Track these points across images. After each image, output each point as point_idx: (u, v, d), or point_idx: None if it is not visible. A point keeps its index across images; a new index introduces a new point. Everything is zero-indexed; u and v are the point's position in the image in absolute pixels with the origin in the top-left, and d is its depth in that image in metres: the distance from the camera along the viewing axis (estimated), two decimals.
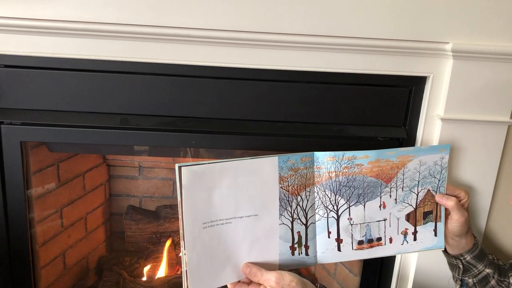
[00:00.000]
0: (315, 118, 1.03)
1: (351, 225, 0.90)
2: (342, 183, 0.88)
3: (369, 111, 1.03)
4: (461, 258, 0.95)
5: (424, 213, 0.93)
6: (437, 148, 0.92)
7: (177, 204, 0.78)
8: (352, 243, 0.90)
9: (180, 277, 1.37)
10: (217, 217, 0.80)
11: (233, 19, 0.90)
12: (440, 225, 0.93)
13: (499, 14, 0.93)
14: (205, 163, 0.78)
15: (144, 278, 1.43)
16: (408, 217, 0.92)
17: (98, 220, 1.50)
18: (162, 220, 1.53)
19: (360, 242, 0.90)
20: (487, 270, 0.94)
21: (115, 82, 0.98)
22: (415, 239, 0.92)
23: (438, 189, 0.93)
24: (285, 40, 0.93)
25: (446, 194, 0.93)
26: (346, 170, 0.88)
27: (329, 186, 0.88)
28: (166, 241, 1.52)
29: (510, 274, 0.95)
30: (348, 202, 0.89)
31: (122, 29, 0.90)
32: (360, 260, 1.19)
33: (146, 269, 1.45)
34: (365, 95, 1.02)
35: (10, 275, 1.08)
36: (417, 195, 0.92)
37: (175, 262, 1.49)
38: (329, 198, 0.88)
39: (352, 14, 0.92)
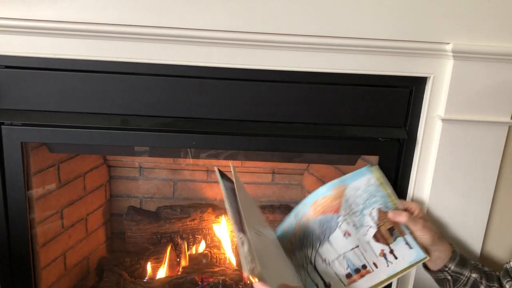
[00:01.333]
0: (315, 119, 1.03)
1: (329, 264, 0.90)
2: (300, 237, 0.91)
3: (370, 111, 1.03)
4: (446, 269, 0.94)
5: (388, 230, 0.93)
6: (360, 172, 0.95)
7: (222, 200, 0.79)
8: (340, 280, 0.90)
9: (181, 278, 1.38)
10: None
11: (233, 19, 0.91)
12: (408, 237, 0.93)
13: (499, 15, 0.93)
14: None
15: (145, 279, 1.43)
16: (376, 238, 0.92)
17: (99, 221, 1.50)
18: (163, 221, 1.53)
19: (349, 276, 0.91)
20: (474, 275, 0.94)
21: (115, 82, 0.98)
22: (395, 257, 0.92)
23: (386, 205, 0.94)
24: (285, 40, 0.93)
25: (397, 210, 0.95)
26: (298, 225, 0.92)
27: (295, 249, 0.91)
28: (166, 242, 1.52)
29: (506, 280, 0.94)
30: (313, 248, 0.90)
31: (122, 30, 0.90)
32: None
33: (146, 269, 1.45)
34: (366, 96, 1.02)
35: (10, 275, 1.08)
36: (370, 215, 0.93)
37: (175, 263, 1.49)
38: (300, 257, 0.90)
39: (352, 15, 0.92)
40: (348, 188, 0.95)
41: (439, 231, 0.95)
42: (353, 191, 0.94)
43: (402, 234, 0.93)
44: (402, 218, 0.92)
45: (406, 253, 0.92)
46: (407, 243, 0.92)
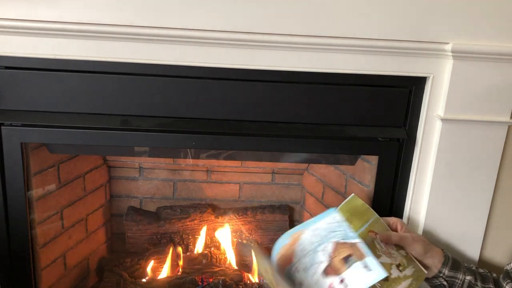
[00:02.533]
0: (315, 119, 1.03)
1: None
2: None
3: (369, 111, 1.03)
4: (441, 274, 0.93)
5: (344, 259, 0.87)
6: (326, 213, 0.92)
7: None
8: None
9: (181, 278, 1.38)
10: None
11: (233, 20, 0.91)
12: (369, 259, 0.85)
13: (499, 15, 0.93)
14: None
15: (145, 279, 1.43)
16: (326, 273, 0.87)
17: (99, 221, 1.50)
18: (163, 221, 1.53)
19: None
20: (468, 277, 0.93)
21: (115, 83, 0.98)
22: (346, 285, 0.85)
23: (347, 236, 0.89)
24: (285, 41, 0.93)
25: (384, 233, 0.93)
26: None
27: None
28: (166, 242, 1.52)
29: (506, 282, 0.94)
30: None
31: (122, 31, 0.90)
32: None
33: (146, 270, 1.45)
34: (365, 96, 1.02)
35: (10, 276, 1.08)
36: (324, 250, 0.88)
37: (175, 263, 1.49)
38: None
39: (352, 15, 0.92)
40: (307, 231, 0.92)
41: (426, 239, 0.95)
42: (311, 232, 0.91)
43: (361, 258, 0.87)
44: (393, 240, 0.92)
45: (362, 277, 0.86)
46: (365, 266, 0.86)
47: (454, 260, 0.95)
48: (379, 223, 0.95)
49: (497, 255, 1.12)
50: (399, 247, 0.92)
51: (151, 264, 1.45)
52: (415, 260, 0.93)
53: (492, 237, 1.10)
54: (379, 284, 0.88)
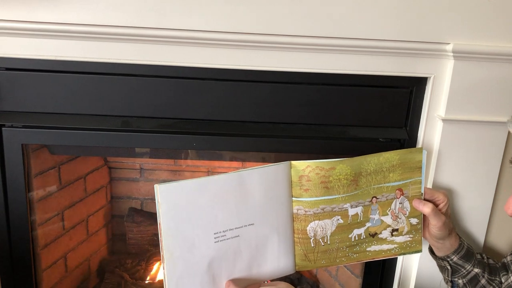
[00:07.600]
0: (317, 120, 1.03)
1: None
2: None
3: (370, 112, 1.03)
4: (448, 259, 0.95)
5: None
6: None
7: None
8: None
9: None
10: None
11: (235, 21, 0.91)
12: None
13: (499, 15, 0.93)
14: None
15: (146, 281, 1.43)
16: None
17: (100, 223, 1.50)
18: None
19: None
20: (476, 270, 0.94)
21: (116, 84, 0.98)
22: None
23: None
24: (286, 41, 0.93)
25: (424, 199, 0.93)
26: None
27: None
28: None
29: (502, 273, 0.95)
30: None
31: (124, 32, 0.90)
32: (362, 262, 1.18)
33: (147, 271, 1.45)
34: (366, 96, 1.02)
35: (12, 277, 1.08)
36: None
37: None
38: None
39: (353, 15, 0.92)
40: None
41: (452, 226, 0.94)
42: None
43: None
44: (426, 209, 0.89)
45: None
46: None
47: (469, 251, 0.95)
48: (416, 186, 0.93)
49: (498, 250, 1.12)
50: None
51: (152, 265, 1.45)
52: (420, 234, 0.96)
53: (494, 236, 1.10)
54: (362, 236, 0.93)
